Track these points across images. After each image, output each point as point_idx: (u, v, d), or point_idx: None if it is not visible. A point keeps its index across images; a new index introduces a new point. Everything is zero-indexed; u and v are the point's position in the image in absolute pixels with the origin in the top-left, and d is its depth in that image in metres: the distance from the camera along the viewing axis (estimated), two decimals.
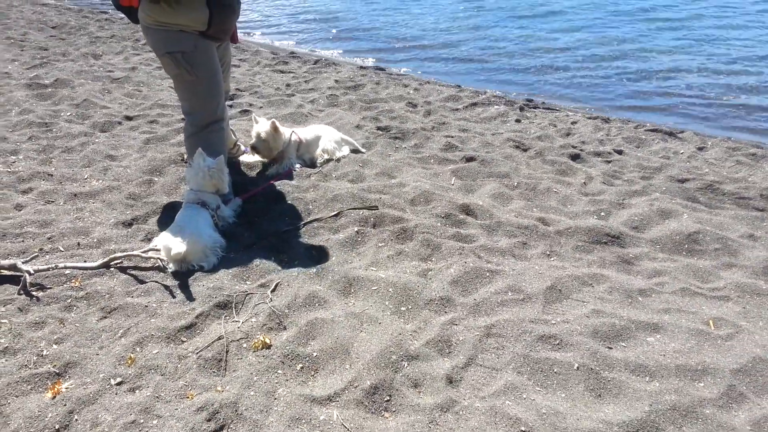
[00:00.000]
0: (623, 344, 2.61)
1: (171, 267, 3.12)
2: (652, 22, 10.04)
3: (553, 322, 2.74)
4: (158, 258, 3.16)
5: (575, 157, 4.80)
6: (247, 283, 3.05)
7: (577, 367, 2.44)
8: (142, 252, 3.18)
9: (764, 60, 7.84)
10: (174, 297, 2.92)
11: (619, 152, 4.97)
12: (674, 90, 7.05)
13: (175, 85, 3.65)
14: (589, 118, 5.99)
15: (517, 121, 5.81)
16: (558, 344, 2.58)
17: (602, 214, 3.84)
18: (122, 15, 3.66)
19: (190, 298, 2.90)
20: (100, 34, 9.30)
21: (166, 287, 2.99)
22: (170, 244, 3.06)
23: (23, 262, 3.02)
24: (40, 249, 3.29)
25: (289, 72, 7.60)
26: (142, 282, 3.04)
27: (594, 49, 8.78)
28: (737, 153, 4.94)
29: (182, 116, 5.37)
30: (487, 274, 3.11)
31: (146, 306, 2.83)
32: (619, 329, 2.68)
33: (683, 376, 2.42)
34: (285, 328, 2.68)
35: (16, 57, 7.50)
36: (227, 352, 2.52)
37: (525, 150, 4.98)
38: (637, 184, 4.28)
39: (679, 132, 5.51)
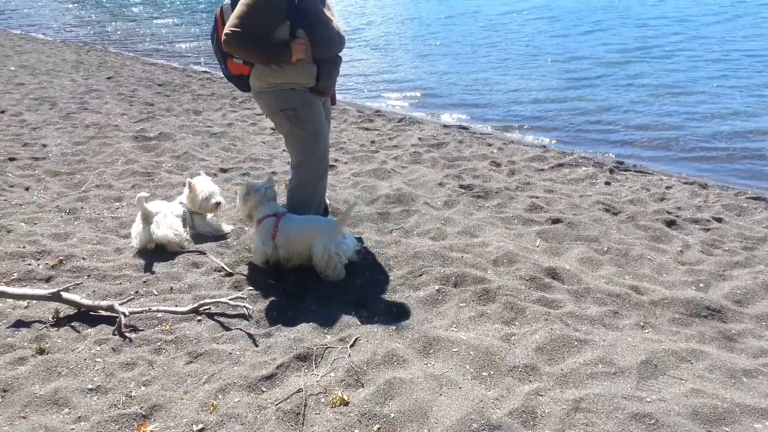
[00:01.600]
0: (726, 429, 2.38)
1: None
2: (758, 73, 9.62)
3: (648, 399, 2.54)
4: (244, 306, 3.24)
5: (671, 224, 4.57)
6: (327, 336, 3.06)
7: None
8: (230, 299, 3.28)
9: None
10: (257, 345, 2.97)
11: (719, 220, 4.68)
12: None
13: (286, 141, 3.88)
14: (685, 183, 5.72)
15: (607, 183, 5.64)
16: (653, 424, 2.38)
17: (701, 285, 3.60)
18: (228, 81, 3.95)
19: (272, 347, 2.93)
20: (202, 92, 10.01)
21: (250, 335, 3.05)
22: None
23: (120, 304, 3.19)
24: (136, 292, 3.47)
25: (374, 129, 7.82)
26: (227, 329, 3.12)
27: (688, 107, 8.47)
28: None
29: (273, 170, 5.66)
30: (576, 343, 2.96)
31: (230, 353, 2.89)
32: (721, 412, 2.45)
33: None
34: (363, 386, 2.64)
35: (126, 111, 8.18)
36: (305, 405, 2.51)
37: (615, 214, 4.80)
38: (739, 255, 4.00)
39: None
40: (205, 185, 4.18)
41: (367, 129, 7.88)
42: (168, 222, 3.95)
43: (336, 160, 6.25)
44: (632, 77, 10.32)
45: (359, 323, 3.17)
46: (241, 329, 3.11)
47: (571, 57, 12.02)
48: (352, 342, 2.97)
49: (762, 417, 2.45)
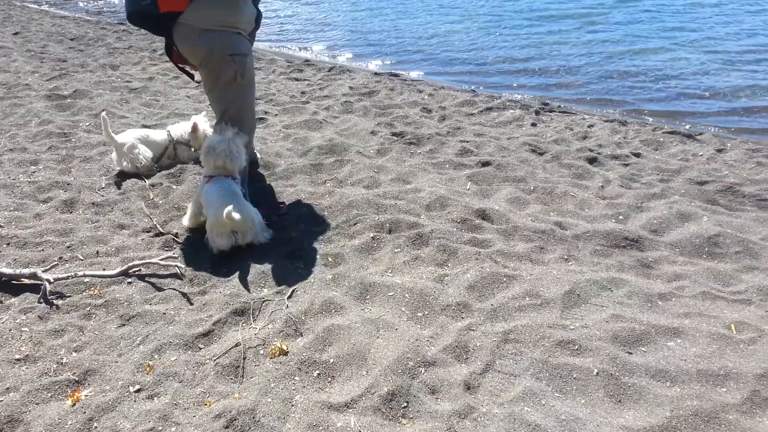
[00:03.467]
0: (643, 349, 2.57)
1: (220, 245, 3.19)
2: (671, 18, 9.94)
3: (572, 327, 2.71)
4: (176, 265, 3.19)
5: (592, 161, 4.76)
6: (264, 290, 3.06)
7: (597, 373, 2.41)
8: (161, 259, 3.21)
9: None
10: (192, 304, 2.94)
11: (637, 155, 4.91)
12: (691, 91, 6.97)
13: (219, 91, 3.59)
14: (606, 121, 5.94)
15: (533, 125, 5.78)
16: (577, 350, 2.55)
17: (620, 217, 3.80)
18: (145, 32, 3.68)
19: (208, 305, 2.91)
20: (118, 45, 9.44)
21: (184, 294, 3.02)
22: (233, 212, 3.06)
23: (43, 271, 3.06)
24: (60, 258, 3.33)
25: (304, 80, 7.64)
26: (160, 289, 3.07)
27: (609, 50, 8.71)
28: (757, 154, 4.86)
29: None
30: (504, 279, 3.09)
31: (164, 313, 2.85)
32: (639, 334, 2.64)
33: (705, 381, 2.37)
34: (302, 335, 2.68)
35: (36, 69, 7.64)
36: (244, 359, 2.53)
37: (541, 154, 4.94)
38: (655, 187, 4.23)
39: (698, 134, 5.44)
40: (206, 126, 4.52)
41: (296, 79, 7.70)
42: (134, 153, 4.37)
43: (266, 113, 6.09)
44: (557, 21, 10.44)
45: (296, 275, 3.19)
46: (174, 289, 3.06)
47: (502, 4, 12.01)
48: (289, 294, 2.99)
49: (674, 335, 2.66)
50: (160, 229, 3.63)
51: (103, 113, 4.24)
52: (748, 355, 2.51)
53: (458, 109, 6.28)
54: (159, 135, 4.56)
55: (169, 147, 4.56)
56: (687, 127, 5.86)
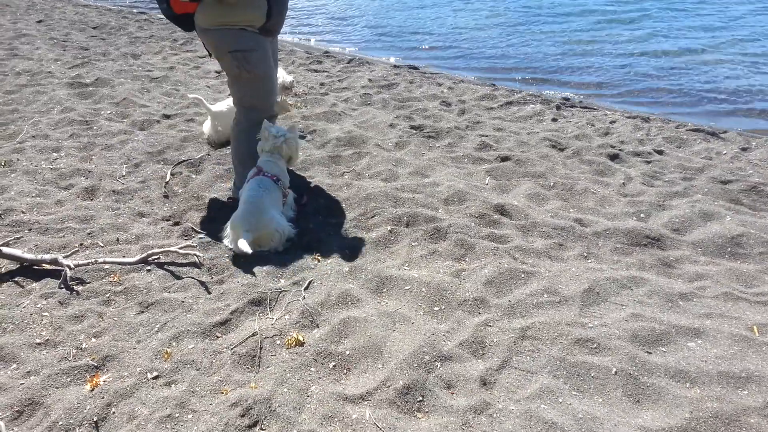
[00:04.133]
0: (663, 349, 2.53)
1: (242, 248, 3.14)
2: (698, 18, 9.77)
3: (591, 325, 2.68)
4: (195, 254, 3.21)
5: (614, 157, 4.69)
6: (281, 280, 3.07)
7: (615, 372, 2.38)
8: (180, 248, 3.23)
9: None
10: (209, 293, 2.96)
11: (660, 152, 4.83)
12: (718, 88, 6.84)
13: (232, 83, 3.68)
14: (629, 117, 5.85)
15: (554, 120, 5.72)
16: (595, 348, 2.52)
17: (642, 215, 3.75)
18: (167, 21, 3.74)
19: (225, 294, 2.93)
20: (140, 34, 9.50)
21: (202, 283, 3.03)
22: (239, 238, 3.14)
23: (64, 257, 3.10)
24: (80, 244, 3.37)
25: (323, 71, 7.63)
26: (178, 278, 3.09)
27: (633, 46, 8.57)
28: None
29: None
30: (522, 276, 3.06)
31: (182, 301, 2.87)
32: (659, 334, 2.61)
33: (725, 383, 2.33)
34: (318, 326, 2.68)
35: (59, 57, 7.72)
36: (261, 348, 2.54)
37: (561, 150, 4.89)
38: (678, 185, 4.16)
39: (722, 132, 5.34)
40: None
41: (315, 71, 7.69)
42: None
43: None
44: (580, 16, 10.30)
45: (313, 266, 3.19)
46: (192, 277, 3.08)
47: (528, 2, 11.90)
48: (306, 285, 2.99)
49: (695, 336, 2.62)
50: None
51: (194, 96, 4.90)
52: None
53: (478, 103, 6.23)
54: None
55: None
56: (711, 124, 5.75)
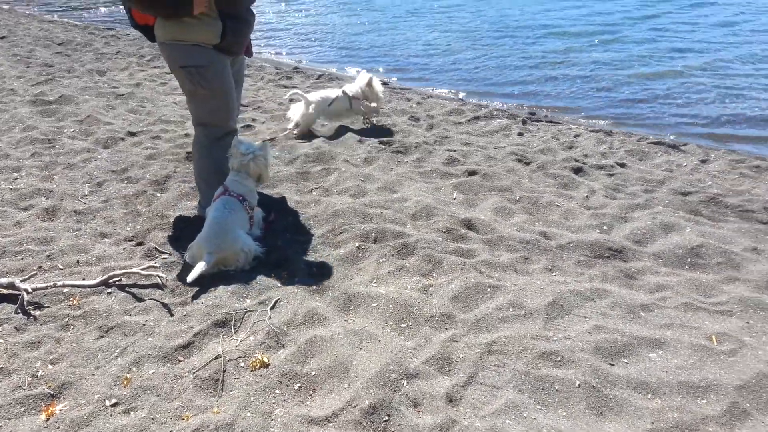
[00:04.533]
0: (625, 360, 2.57)
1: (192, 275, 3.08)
2: (656, 32, 10.04)
3: (555, 338, 2.70)
4: (157, 275, 3.15)
5: (578, 171, 4.78)
6: (247, 300, 3.03)
7: (579, 385, 2.40)
8: (142, 269, 3.17)
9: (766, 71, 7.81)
10: (172, 315, 2.91)
11: (622, 165, 4.94)
12: (677, 101, 7.02)
13: (188, 99, 3.65)
14: (592, 131, 5.97)
15: (520, 134, 5.80)
16: (559, 361, 2.54)
17: (605, 227, 3.81)
18: (135, 33, 3.74)
19: (189, 316, 2.88)
20: (106, 50, 9.39)
21: (165, 305, 2.98)
22: (201, 260, 3.10)
23: (21, 281, 3.02)
24: (39, 267, 3.29)
25: (293, 87, 7.63)
26: (140, 300, 3.03)
27: (597, 61, 8.76)
28: (741, 165, 4.90)
29: (185, 132, 5.43)
30: (489, 290, 3.08)
31: (144, 325, 2.81)
32: (621, 345, 2.64)
33: (686, 393, 2.37)
34: (283, 347, 2.66)
35: (22, 74, 7.58)
36: (224, 371, 2.50)
37: (527, 163, 4.96)
38: (639, 198, 4.25)
39: (682, 145, 5.49)
40: (379, 86, 5.76)
41: (285, 87, 7.69)
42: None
43: (253, 120, 6.09)
44: (544, 29, 10.50)
45: (279, 285, 3.16)
46: (155, 300, 3.03)
47: (486, 14, 12.06)
48: (272, 304, 2.96)
49: (656, 347, 2.66)
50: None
51: (294, 91, 5.77)
52: (728, 367, 2.52)
53: (446, 118, 6.29)
54: (336, 93, 5.64)
55: (346, 102, 5.62)
56: (672, 137, 5.90)
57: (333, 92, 5.65)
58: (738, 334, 2.75)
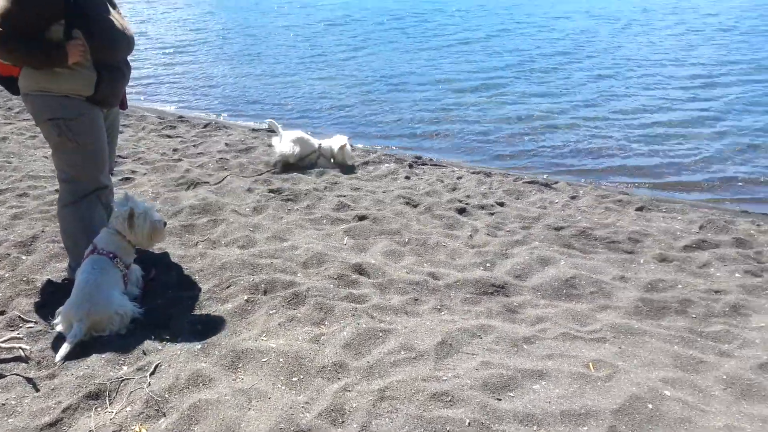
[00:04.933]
0: (511, 394, 2.66)
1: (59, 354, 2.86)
2: (526, 74, 10.86)
3: (445, 378, 2.75)
4: (20, 347, 2.87)
5: (462, 211, 4.99)
6: (124, 367, 2.82)
7: (469, 423, 2.44)
8: (2, 341, 2.88)
9: (626, 113, 8.65)
10: (38, 390, 2.64)
11: (501, 204, 5.23)
12: (549, 143, 7.58)
13: (54, 152, 3.41)
14: (473, 173, 6.29)
15: (407, 178, 5.99)
16: (450, 401, 2.58)
17: (488, 265, 3.98)
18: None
19: (57, 389, 2.63)
20: None
21: (29, 380, 2.71)
22: (70, 329, 2.89)
23: None
24: None
25: (177, 136, 7.42)
26: (1, 376, 2.73)
27: (477, 109, 9.30)
28: (606, 200, 5.35)
29: (56, 188, 5.07)
30: (380, 334, 3.09)
31: (3, 405, 2.53)
32: (506, 379, 2.74)
33: (568, 421, 2.49)
34: (165, 415, 2.49)
35: None
36: None
37: (415, 206, 5.11)
38: (518, 234, 4.50)
39: (554, 183, 5.92)
40: (349, 151, 6.28)
41: (168, 136, 7.46)
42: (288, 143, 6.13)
43: (133, 172, 5.81)
44: (432, 85, 11.02)
45: (160, 347, 2.98)
46: (18, 374, 2.74)
47: (367, 60, 12.48)
48: (152, 369, 2.78)
49: (539, 378, 2.78)
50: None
51: (270, 120, 6.46)
52: (605, 392, 2.68)
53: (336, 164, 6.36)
54: (312, 141, 6.29)
55: (316, 152, 6.26)
56: (544, 176, 6.35)
57: (309, 138, 6.31)
58: (612, 359, 2.94)
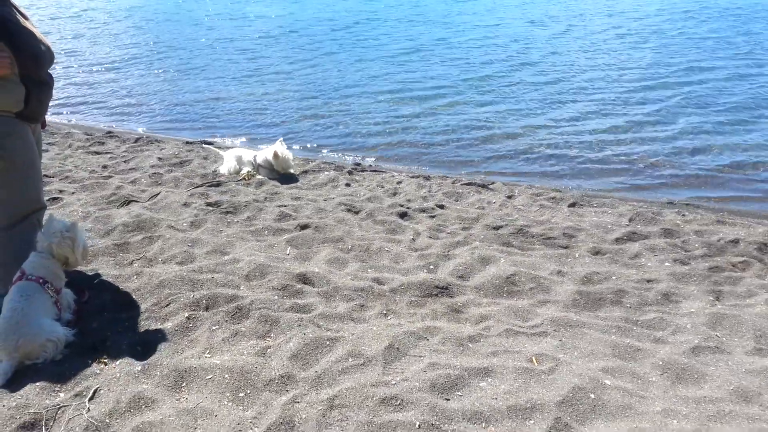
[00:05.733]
0: (459, 393, 2.70)
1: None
2: (464, 82, 11.10)
3: (393, 382, 2.76)
4: None
5: (403, 215, 5.04)
6: (60, 394, 2.69)
7: (419, 425, 2.46)
8: None
9: (560, 119, 8.98)
10: None
11: (441, 207, 5.31)
12: (481, 143, 7.77)
13: None
14: (412, 177, 6.37)
15: (347, 185, 5.99)
16: (399, 405, 2.60)
17: (431, 267, 4.04)
18: None
19: None
20: None
21: None
22: None
23: None
24: None
25: (106, 152, 7.14)
26: None
27: (415, 115, 9.42)
28: (540, 198, 5.54)
29: None
30: (328, 343, 3.08)
31: None
32: (454, 379, 2.78)
33: (515, 416, 2.55)
34: None
35: None
36: None
37: (357, 212, 5.12)
38: (459, 236, 4.59)
39: (491, 183, 6.07)
40: (285, 153, 6.20)
41: (97, 153, 7.17)
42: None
43: (60, 191, 5.55)
44: (363, 85, 11.09)
45: (98, 372, 2.86)
46: None
47: (304, 72, 12.43)
48: (90, 395, 2.67)
49: (485, 375, 2.84)
50: None
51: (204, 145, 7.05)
52: (549, 385, 2.76)
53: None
54: (249, 156, 6.36)
55: (255, 166, 6.27)
56: (482, 176, 6.51)
57: (246, 153, 6.44)
58: (554, 352, 3.04)
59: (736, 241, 4.43)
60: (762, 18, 15.94)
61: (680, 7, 18.29)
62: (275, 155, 6.10)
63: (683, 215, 5.12)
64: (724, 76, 10.40)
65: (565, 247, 4.41)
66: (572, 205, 5.37)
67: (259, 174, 6.25)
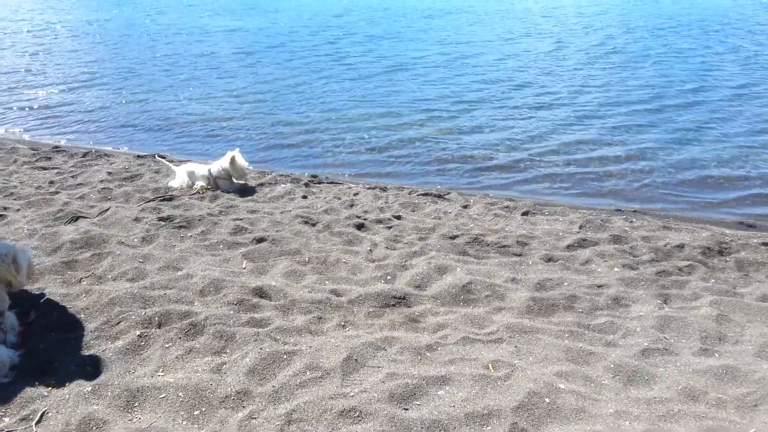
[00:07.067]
0: (417, 403, 2.72)
1: None
2: (423, 87, 11.24)
3: (352, 393, 2.76)
4: None
5: (360, 227, 5.05)
6: (5, 419, 2.58)
7: None
8: None
9: (513, 121, 9.18)
10: None
11: (398, 218, 5.35)
12: (436, 154, 7.88)
13: None
14: (369, 188, 6.39)
15: (304, 197, 5.97)
16: (358, 416, 2.59)
17: (389, 277, 4.05)
18: None
19: None
20: None
21: None
22: None
23: None
24: None
25: (53, 168, 6.92)
26: None
27: (371, 127, 9.47)
28: (494, 207, 5.64)
29: None
30: (285, 357, 3.05)
31: None
32: (412, 388, 2.79)
33: (472, 423, 2.58)
34: None
35: None
36: None
37: (314, 225, 5.10)
38: (415, 246, 4.62)
39: (446, 193, 6.15)
40: (242, 161, 6.12)
41: (44, 168, 6.94)
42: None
43: (5, 208, 5.34)
44: (317, 98, 11.09)
45: (46, 393, 2.75)
46: None
47: (256, 87, 12.34)
48: (37, 418, 2.56)
49: (443, 383, 2.86)
50: None
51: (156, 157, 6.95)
52: (505, 390, 2.81)
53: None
54: (203, 170, 6.23)
55: (211, 178, 6.16)
56: (438, 187, 6.58)
57: (199, 168, 6.31)
58: (509, 358, 3.09)
59: (681, 246, 4.61)
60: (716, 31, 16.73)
61: (635, 21, 19.02)
62: (232, 161, 6.03)
63: (631, 222, 5.30)
64: (681, 93, 10.82)
65: (519, 255, 4.50)
66: (525, 213, 5.49)
67: (218, 187, 6.16)
